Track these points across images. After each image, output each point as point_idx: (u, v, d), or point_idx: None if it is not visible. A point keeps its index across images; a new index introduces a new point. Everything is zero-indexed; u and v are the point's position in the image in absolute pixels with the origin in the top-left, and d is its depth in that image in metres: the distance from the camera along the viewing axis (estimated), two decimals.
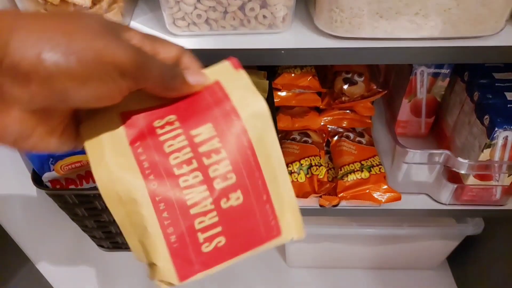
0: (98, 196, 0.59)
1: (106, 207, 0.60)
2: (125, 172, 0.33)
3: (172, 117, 0.36)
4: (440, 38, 0.53)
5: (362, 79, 0.79)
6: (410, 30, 0.52)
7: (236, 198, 0.35)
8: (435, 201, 0.78)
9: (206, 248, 0.35)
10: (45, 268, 0.68)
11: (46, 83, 0.27)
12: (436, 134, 0.87)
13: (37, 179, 0.60)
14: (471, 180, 0.73)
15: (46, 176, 0.59)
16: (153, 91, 0.34)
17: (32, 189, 0.64)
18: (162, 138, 0.34)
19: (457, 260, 1.18)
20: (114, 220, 0.63)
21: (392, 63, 0.55)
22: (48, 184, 0.60)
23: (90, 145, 0.34)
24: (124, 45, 0.30)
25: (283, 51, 0.53)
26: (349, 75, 0.79)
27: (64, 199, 0.60)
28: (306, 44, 0.53)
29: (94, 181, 0.61)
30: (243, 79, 0.37)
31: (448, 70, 0.75)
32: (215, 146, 0.34)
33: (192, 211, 0.34)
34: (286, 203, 0.38)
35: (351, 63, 0.55)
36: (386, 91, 0.79)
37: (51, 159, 0.57)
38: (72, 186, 0.61)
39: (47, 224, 0.70)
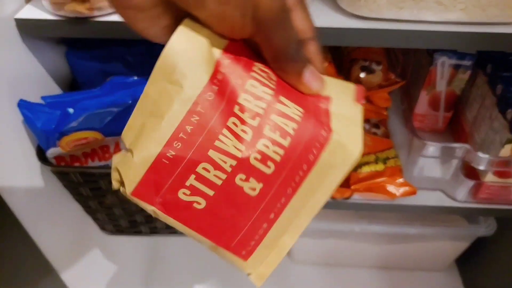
0: (103, 176, 0.58)
1: (110, 188, 0.58)
2: (199, 59, 0.29)
3: (273, 76, 0.32)
4: (467, 23, 0.51)
5: (380, 67, 0.76)
6: (437, 12, 0.50)
7: (251, 188, 0.31)
8: (450, 198, 0.76)
9: (182, 195, 0.30)
10: (46, 247, 0.66)
11: None
12: (454, 129, 0.84)
13: (42, 156, 0.58)
14: (490, 177, 0.70)
15: (51, 152, 0.57)
16: (265, 54, 0.31)
17: (36, 167, 0.63)
18: (252, 74, 0.30)
19: (466, 262, 1.15)
20: (118, 202, 0.62)
21: (416, 47, 0.53)
22: (53, 161, 0.58)
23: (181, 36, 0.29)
24: None
25: None
26: (367, 63, 0.77)
27: (68, 177, 0.58)
28: (327, 23, 0.51)
29: (99, 159, 0.59)
30: (356, 115, 0.33)
31: (470, 62, 0.73)
32: (286, 129, 0.30)
33: (210, 153, 0.29)
34: (279, 242, 0.34)
35: (374, 45, 0.53)
36: (404, 82, 0.76)
37: (57, 134, 0.55)
38: (77, 164, 0.59)
39: (50, 204, 0.68)
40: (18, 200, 0.58)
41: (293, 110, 0.31)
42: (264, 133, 0.30)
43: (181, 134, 0.29)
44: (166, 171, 0.29)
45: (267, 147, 0.30)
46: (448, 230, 0.97)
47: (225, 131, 0.29)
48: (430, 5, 0.49)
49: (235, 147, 0.29)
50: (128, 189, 0.29)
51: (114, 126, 0.55)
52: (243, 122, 0.29)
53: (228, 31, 0.29)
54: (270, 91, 0.30)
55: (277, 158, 0.30)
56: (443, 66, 0.74)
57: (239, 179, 0.30)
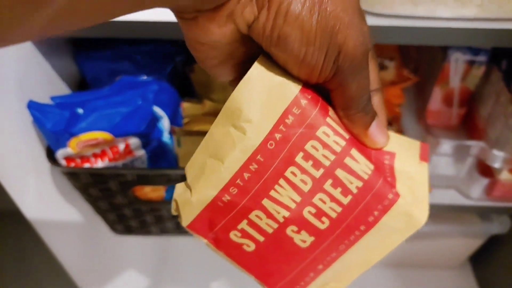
0: (113, 176, 0.57)
1: (121, 189, 0.58)
2: (266, 104, 0.27)
3: (343, 132, 0.29)
4: (483, 19, 0.50)
5: (393, 64, 0.75)
6: (453, 8, 0.48)
7: (302, 240, 0.30)
8: (464, 196, 0.75)
9: (233, 236, 0.31)
10: (57, 248, 0.66)
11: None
12: (468, 126, 0.83)
13: (51, 157, 0.58)
14: (505, 175, 0.69)
15: (61, 153, 0.56)
16: (335, 101, 0.29)
17: (46, 168, 0.62)
18: (328, 120, 0.28)
19: (480, 260, 1.14)
20: (127, 203, 0.62)
21: (431, 44, 0.51)
22: (63, 161, 0.58)
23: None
24: (364, 35, 0.26)
25: None
26: (379, 60, 0.76)
27: (78, 178, 0.57)
28: None
29: (110, 160, 0.58)
30: (422, 175, 0.32)
31: (485, 58, 0.71)
32: (349, 187, 0.29)
33: (264, 202, 0.29)
34: None
35: (388, 42, 0.51)
36: (418, 78, 0.75)
37: (66, 135, 0.54)
38: (87, 165, 0.58)
39: (60, 205, 0.67)
40: (29, 202, 0.58)
41: (363, 167, 0.29)
42: (324, 187, 0.29)
43: (238, 181, 0.29)
44: (220, 213, 0.30)
45: (324, 202, 0.29)
46: (461, 228, 0.96)
47: (281, 181, 0.29)
48: (446, 1, 0.48)
49: (290, 198, 0.29)
50: (184, 223, 0.31)
51: (123, 126, 0.55)
52: (303, 171, 0.28)
53: (306, 74, 0.27)
54: (342, 142, 0.29)
55: (333, 215, 0.29)
56: (456, 62, 0.73)
57: (290, 230, 0.30)
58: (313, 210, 0.29)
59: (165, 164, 0.61)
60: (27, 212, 0.58)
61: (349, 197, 0.29)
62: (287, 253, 0.31)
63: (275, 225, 0.30)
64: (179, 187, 0.31)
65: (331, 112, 0.29)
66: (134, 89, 0.58)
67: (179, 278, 1.17)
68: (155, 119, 0.60)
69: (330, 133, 0.28)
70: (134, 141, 0.57)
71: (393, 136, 0.33)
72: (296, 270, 0.32)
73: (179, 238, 0.82)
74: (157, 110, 0.60)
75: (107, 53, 0.67)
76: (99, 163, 0.58)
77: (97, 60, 0.67)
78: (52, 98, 0.58)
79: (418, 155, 0.33)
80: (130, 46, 0.66)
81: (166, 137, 0.61)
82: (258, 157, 0.28)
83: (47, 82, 0.63)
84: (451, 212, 0.91)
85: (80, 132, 0.54)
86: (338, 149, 0.29)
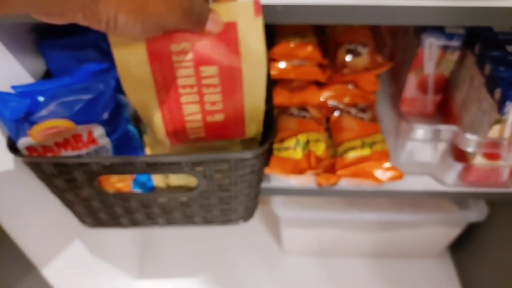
0: (78, 166, 0.55)
1: (86, 179, 0.56)
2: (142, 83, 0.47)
3: (187, 46, 0.44)
4: None
5: (366, 50, 0.74)
6: None
7: (219, 118, 0.52)
8: (439, 182, 0.74)
9: (191, 136, 0.54)
10: (25, 242, 0.64)
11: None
12: (443, 113, 0.82)
13: (12, 146, 0.55)
14: (479, 160, 0.69)
15: (22, 143, 0.54)
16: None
17: (9, 159, 0.60)
18: (176, 65, 0.46)
19: (459, 248, 1.14)
20: (96, 194, 0.60)
21: (400, 23, 0.50)
22: (25, 151, 0.56)
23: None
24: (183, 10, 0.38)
25: (279, 8, 0.48)
26: (352, 46, 0.75)
27: (41, 168, 0.55)
28: (305, 1, 0.49)
29: (73, 149, 0.56)
30: (258, 29, 0.45)
31: (459, 43, 0.71)
32: (214, 82, 0.48)
33: (186, 118, 0.52)
34: (254, 118, 0.54)
35: (356, 22, 0.50)
36: (391, 64, 0.74)
37: (26, 124, 0.52)
38: (50, 154, 0.56)
39: (28, 197, 0.65)
40: None
41: (211, 70, 0.47)
42: (204, 92, 0.49)
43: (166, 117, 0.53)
44: (174, 129, 0.55)
45: (210, 97, 0.50)
46: (439, 216, 0.96)
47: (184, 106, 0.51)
48: None
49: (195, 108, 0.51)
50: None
51: (86, 114, 0.53)
52: (189, 94, 0.49)
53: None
54: (190, 70, 0.47)
55: (219, 98, 0.50)
56: (430, 47, 0.72)
57: (208, 118, 0.52)
58: (210, 105, 0.51)
59: (131, 153, 0.60)
60: None
61: (219, 83, 0.48)
62: (219, 127, 0.54)
63: (201, 124, 0.53)
64: None
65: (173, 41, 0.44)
66: (96, 76, 0.56)
67: (157, 268, 1.16)
68: (120, 106, 0.58)
69: (179, 59, 0.46)
70: (97, 129, 0.55)
71: (230, 6, 0.43)
72: (230, 129, 0.55)
73: (152, 229, 0.80)
74: (122, 97, 0.59)
75: (72, 41, 0.65)
76: (62, 153, 0.56)
77: (62, 48, 0.65)
78: (13, 87, 0.56)
79: (252, 12, 0.44)
80: (95, 34, 0.64)
81: (131, 125, 0.59)
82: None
83: (9, 72, 0.61)
84: (427, 199, 0.90)
85: (40, 120, 0.52)
86: (190, 64, 0.46)
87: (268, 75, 0.69)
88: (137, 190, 0.62)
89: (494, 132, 0.64)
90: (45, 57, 0.66)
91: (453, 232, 1.05)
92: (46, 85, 0.57)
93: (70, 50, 0.65)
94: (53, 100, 0.53)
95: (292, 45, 0.74)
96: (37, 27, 0.67)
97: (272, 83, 0.77)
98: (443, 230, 1.04)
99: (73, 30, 0.66)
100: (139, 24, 0.34)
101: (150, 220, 0.67)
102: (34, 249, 0.67)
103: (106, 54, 0.64)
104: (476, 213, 0.94)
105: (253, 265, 1.18)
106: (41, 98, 0.55)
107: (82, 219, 0.68)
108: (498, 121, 0.63)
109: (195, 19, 0.40)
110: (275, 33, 0.79)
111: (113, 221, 0.67)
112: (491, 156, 0.68)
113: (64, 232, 0.76)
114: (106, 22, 0.33)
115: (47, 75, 0.67)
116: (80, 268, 0.84)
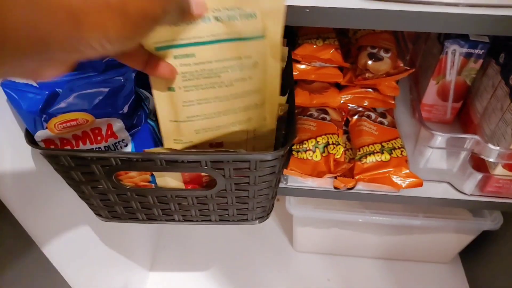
0: (95, 160, 0.55)
1: (104, 173, 0.56)
2: None
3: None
4: (480, 5, 0.48)
5: (388, 55, 0.74)
6: None
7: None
8: (457, 190, 0.73)
9: None
10: (38, 235, 0.64)
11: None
12: (462, 121, 0.81)
13: (31, 138, 0.55)
14: (499, 170, 0.68)
15: (39, 135, 0.54)
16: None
17: (27, 151, 0.60)
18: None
19: (471, 256, 1.13)
20: (112, 187, 0.60)
21: (426, 30, 0.50)
22: (42, 144, 0.56)
23: None
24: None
25: (307, 9, 0.48)
26: (375, 50, 0.74)
27: (58, 161, 0.55)
28: (334, 3, 0.48)
29: (91, 143, 0.56)
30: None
31: (483, 51, 0.70)
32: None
33: None
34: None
35: (382, 27, 0.50)
36: (413, 70, 0.73)
37: (44, 116, 0.52)
38: (68, 147, 0.56)
39: (44, 189, 0.66)
40: (8, 187, 0.56)
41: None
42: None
43: None
44: None
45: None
46: (453, 223, 0.95)
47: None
48: None
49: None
50: None
51: (105, 107, 0.52)
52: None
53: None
54: None
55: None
56: (454, 54, 0.71)
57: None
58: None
59: (150, 148, 0.60)
60: (4, 195, 0.56)
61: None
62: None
63: None
64: None
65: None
66: (116, 68, 0.56)
67: (170, 262, 1.17)
68: (140, 99, 0.58)
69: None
70: (117, 123, 0.55)
71: None
72: None
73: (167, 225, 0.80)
74: (142, 91, 0.58)
75: None
76: (81, 146, 0.56)
77: None
78: None
79: None
80: None
81: (151, 120, 0.59)
82: None
83: None
84: (443, 207, 0.89)
85: (58, 112, 0.52)
86: None
87: (291, 76, 0.69)
88: (155, 185, 0.61)
89: None
90: None
91: (466, 240, 1.04)
92: (65, 77, 0.56)
93: None
94: (72, 92, 0.53)
95: (314, 46, 0.74)
96: None
97: (294, 84, 0.77)
98: (456, 237, 1.03)
99: None
100: (131, 27, 0.31)
101: (166, 216, 0.67)
102: (47, 240, 0.67)
103: None
104: (491, 222, 0.93)
105: (264, 262, 1.18)
106: (59, 90, 0.55)
107: (98, 212, 0.69)
108: None
109: (178, 4, 0.37)
110: (297, 33, 0.78)
111: (129, 216, 0.67)
112: None
113: (79, 224, 0.76)
114: (100, 45, 0.30)
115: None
116: (93, 259, 0.84)
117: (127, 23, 0.30)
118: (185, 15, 0.39)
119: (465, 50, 0.70)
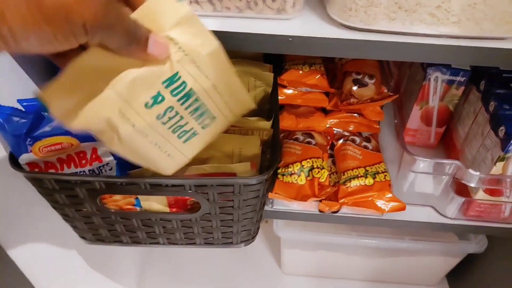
0: (80, 183, 0.55)
1: (88, 196, 0.57)
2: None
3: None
4: (462, 37, 0.49)
5: (372, 81, 0.75)
6: (430, 24, 0.48)
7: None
8: (440, 214, 0.74)
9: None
10: (21, 257, 0.64)
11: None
12: (446, 145, 0.83)
13: (14, 161, 0.55)
14: (481, 195, 0.69)
15: (23, 158, 0.54)
16: (110, 49, 0.34)
17: (10, 173, 0.60)
18: None
19: (457, 278, 1.13)
20: (96, 211, 0.60)
21: (409, 60, 0.51)
22: (26, 167, 0.56)
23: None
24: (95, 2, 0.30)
25: (290, 39, 0.49)
26: (360, 76, 0.75)
27: (43, 184, 0.56)
28: (316, 33, 0.50)
29: (76, 166, 0.57)
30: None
31: (464, 78, 0.71)
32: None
33: None
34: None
35: (365, 57, 0.51)
36: (397, 95, 0.75)
37: (29, 139, 0.52)
38: (52, 170, 0.56)
39: (28, 211, 0.66)
40: None
41: None
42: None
43: None
44: None
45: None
46: (439, 246, 0.96)
47: None
48: (422, 17, 0.47)
49: None
50: None
51: None
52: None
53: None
54: None
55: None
56: (436, 81, 0.73)
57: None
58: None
59: (135, 169, 0.60)
60: None
61: None
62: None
63: None
64: None
65: None
66: None
67: (157, 284, 1.16)
68: None
69: None
70: (101, 147, 0.55)
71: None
72: None
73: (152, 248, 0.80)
74: None
75: None
76: (65, 169, 0.57)
77: None
78: (19, 101, 0.56)
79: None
80: None
81: None
82: None
83: (19, 87, 0.62)
84: (428, 231, 0.90)
85: (43, 136, 0.52)
86: None
87: (277, 101, 0.70)
88: (139, 208, 0.62)
89: (497, 169, 0.64)
90: (56, 72, 0.67)
91: (452, 262, 1.04)
92: None
93: None
94: None
95: (300, 72, 0.75)
96: None
97: (280, 108, 0.78)
98: (442, 259, 1.03)
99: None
100: (42, 22, 0.27)
101: (151, 239, 0.67)
102: (29, 263, 0.67)
103: None
104: (476, 245, 0.94)
105: (252, 283, 1.18)
106: (45, 114, 0.55)
107: (82, 235, 0.69)
108: (502, 159, 0.63)
109: (123, 23, 0.33)
110: (284, 59, 0.80)
111: (114, 238, 0.68)
112: (493, 192, 0.68)
113: (63, 246, 0.76)
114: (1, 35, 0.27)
115: None
116: (78, 281, 0.84)
117: (37, 16, 0.27)
118: (132, 43, 0.35)
119: (447, 77, 0.72)
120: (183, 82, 0.42)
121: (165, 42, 0.38)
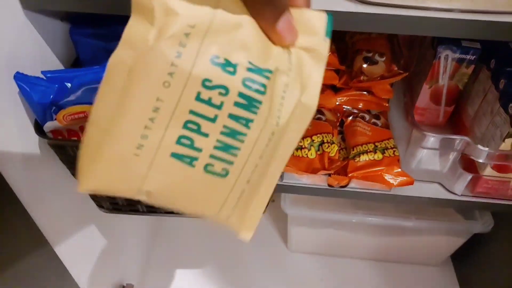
0: None
1: None
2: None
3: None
4: (474, 11, 0.50)
5: (383, 59, 0.76)
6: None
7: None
8: (448, 191, 0.76)
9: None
10: (42, 221, 0.66)
11: None
12: (454, 124, 0.84)
13: (39, 129, 0.58)
14: (488, 171, 0.70)
15: (48, 126, 0.56)
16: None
17: (35, 141, 0.63)
18: None
19: (462, 258, 1.15)
20: None
21: (420, 34, 0.52)
22: (50, 134, 0.58)
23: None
24: None
25: None
26: (370, 54, 0.77)
27: (65, 151, 0.58)
28: (328, 7, 0.51)
29: None
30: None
31: (474, 57, 0.72)
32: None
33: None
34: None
35: (377, 31, 0.52)
36: (407, 73, 0.76)
37: (54, 108, 0.55)
38: (75, 138, 0.59)
39: (49, 178, 0.68)
40: (15, 173, 0.59)
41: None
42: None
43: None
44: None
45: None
46: (445, 225, 0.97)
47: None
48: None
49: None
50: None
51: None
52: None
53: None
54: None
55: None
56: (446, 60, 0.74)
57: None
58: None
59: None
60: (13, 182, 0.58)
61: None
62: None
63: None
64: None
65: None
66: None
67: (168, 256, 1.19)
68: None
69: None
70: None
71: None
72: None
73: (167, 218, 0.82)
74: None
75: (104, 31, 0.68)
76: None
77: (93, 38, 0.68)
78: (43, 72, 0.58)
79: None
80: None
81: None
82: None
83: (40, 58, 0.63)
84: (435, 206, 0.92)
85: (67, 105, 0.54)
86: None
87: None
88: None
89: (506, 145, 0.65)
90: (76, 44, 0.69)
91: (457, 242, 1.06)
92: (75, 73, 0.59)
93: (101, 40, 0.67)
94: (81, 86, 0.55)
95: None
96: (70, 16, 0.70)
97: None
98: (447, 239, 1.05)
99: (103, 21, 0.68)
100: None
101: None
102: (51, 227, 0.69)
103: None
104: (482, 225, 0.96)
105: (259, 261, 1.20)
106: (68, 84, 0.57)
107: (100, 204, 0.71)
108: (510, 135, 0.64)
109: None
110: None
111: (130, 207, 0.70)
112: (501, 168, 0.69)
113: (80, 215, 0.78)
114: None
115: (77, 63, 0.69)
116: (91, 250, 0.86)
117: None
118: (270, 3, 0.29)
119: (457, 55, 0.73)
120: (262, 86, 0.31)
121: (296, 31, 0.31)
